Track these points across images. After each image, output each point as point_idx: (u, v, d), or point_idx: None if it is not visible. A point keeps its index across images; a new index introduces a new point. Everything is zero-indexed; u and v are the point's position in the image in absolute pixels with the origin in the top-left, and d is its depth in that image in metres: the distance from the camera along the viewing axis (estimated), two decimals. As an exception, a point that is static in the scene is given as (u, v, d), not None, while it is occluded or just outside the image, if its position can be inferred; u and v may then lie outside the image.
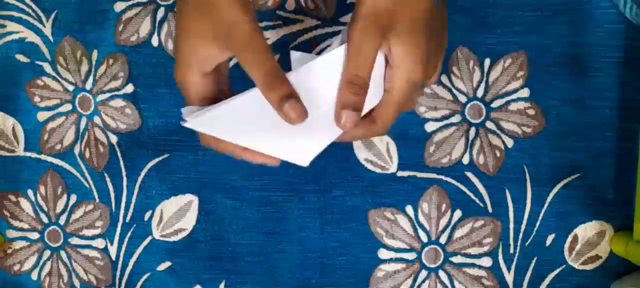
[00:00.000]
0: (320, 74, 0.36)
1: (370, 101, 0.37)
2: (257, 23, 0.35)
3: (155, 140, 0.55)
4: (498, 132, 0.53)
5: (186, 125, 0.37)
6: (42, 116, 0.57)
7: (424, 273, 0.54)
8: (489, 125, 0.53)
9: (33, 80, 0.57)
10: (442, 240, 0.54)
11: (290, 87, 0.35)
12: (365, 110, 0.37)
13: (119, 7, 0.55)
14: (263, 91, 0.35)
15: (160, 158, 0.56)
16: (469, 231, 0.54)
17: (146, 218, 0.56)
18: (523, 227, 0.53)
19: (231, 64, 0.51)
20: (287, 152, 0.38)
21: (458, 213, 0.54)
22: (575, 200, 0.53)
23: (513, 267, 0.54)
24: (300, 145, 0.38)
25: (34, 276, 0.58)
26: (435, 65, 0.38)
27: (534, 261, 0.53)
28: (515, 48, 0.52)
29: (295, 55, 0.37)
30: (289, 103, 0.34)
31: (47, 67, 0.56)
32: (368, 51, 0.35)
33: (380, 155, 0.54)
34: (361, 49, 0.35)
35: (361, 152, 0.54)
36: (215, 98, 0.39)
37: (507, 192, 0.53)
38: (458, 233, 0.54)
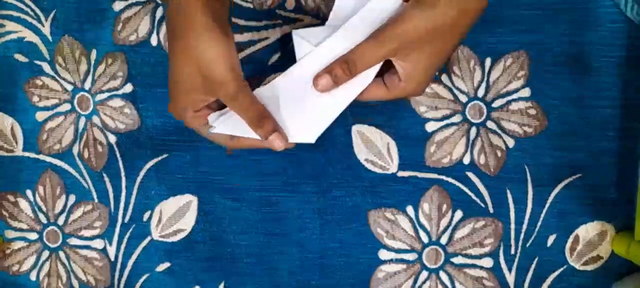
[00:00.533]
0: (321, 60, 0.42)
1: (355, 83, 0.42)
2: (242, 80, 0.41)
3: (154, 140, 0.55)
4: (499, 131, 0.53)
5: (214, 131, 0.44)
6: (40, 116, 0.57)
7: (424, 274, 0.54)
8: (490, 125, 0.53)
9: (32, 79, 0.56)
10: (443, 240, 0.54)
11: (273, 123, 0.42)
12: (351, 91, 0.43)
13: (117, 6, 0.55)
14: (253, 130, 0.42)
15: (159, 158, 0.55)
16: (469, 232, 0.53)
17: (145, 219, 0.56)
18: (524, 227, 0.53)
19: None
20: (296, 135, 0.43)
21: (459, 214, 0.53)
22: (576, 200, 0.53)
23: (514, 267, 0.53)
24: (307, 125, 0.44)
25: (33, 276, 0.58)
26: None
27: (535, 262, 0.53)
28: (516, 47, 0.52)
29: (298, 39, 0.43)
30: (274, 135, 0.42)
31: (45, 67, 0.56)
32: (373, 60, 0.40)
33: (380, 155, 0.54)
34: (369, 55, 0.40)
35: (361, 152, 0.54)
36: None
37: (508, 192, 0.53)
38: (459, 234, 0.54)
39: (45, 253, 0.58)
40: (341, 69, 0.41)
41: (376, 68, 0.42)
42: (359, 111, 0.53)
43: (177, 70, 0.42)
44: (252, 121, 0.42)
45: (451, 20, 0.38)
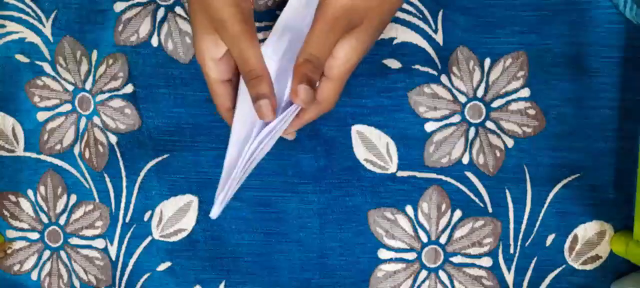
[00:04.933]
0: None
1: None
2: (248, 21, 0.38)
3: (155, 141, 0.56)
4: (498, 132, 0.53)
5: (214, 215, 0.44)
6: (41, 116, 0.57)
7: (424, 273, 0.54)
8: (489, 125, 0.53)
9: (33, 80, 0.57)
10: (442, 240, 0.54)
11: (269, 87, 0.39)
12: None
13: (118, 7, 0.55)
14: (246, 84, 0.39)
15: (160, 158, 0.56)
16: (469, 231, 0.54)
17: (146, 219, 0.56)
18: (523, 227, 0.53)
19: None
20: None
21: (458, 214, 0.54)
22: (575, 200, 0.53)
23: (513, 267, 0.54)
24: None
25: (34, 276, 0.58)
26: None
27: (534, 261, 0.53)
28: (516, 48, 0.52)
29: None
30: (265, 101, 0.39)
31: (46, 67, 0.56)
32: (331, 43, 0.38)
33: (380, 155, 0.54)
34: (327, 39, 0.38)
35: (361, 152, 0.54)
36: (233, 78, 0.44)
37: (507, 192, 0.53)
38: (458, 234, 0.54)
39: (47, 253, 0.58)
40: (307, 68, 0.38)
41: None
42: (358, 111, 0.53)
43: (191, 13, 0.40)
44: (245, 76, 0.39)
45: None
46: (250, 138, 0.43)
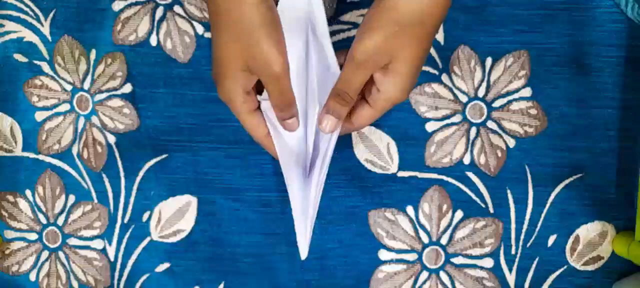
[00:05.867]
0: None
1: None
2: (287, 59, 0.40)
3: (153, 141, 0.55)
4: (499, 131, 0.53)
5: (263, 102, 0.44)
6: (40, 116, 0.57)
7: (425, 274, 0.54)
8: (491, 124, 0.53)
9: (31, 79, 0.56)
10: (443, 241, 0.54)
11: (294, 110, 0.43)
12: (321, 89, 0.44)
13: (117, 6, 0.55)
14: (276, 110, 0.43)
15: (159, 158, 0.55)
16: (470, 232, 0.53)
17: (144, 219, 0.56)
18: (524, 227, 0.53)
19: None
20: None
21: (459, 214, 0.53)
22: (577, 200, 0.53)
23: (514, 267, 0.53)
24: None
25: (33, 277, 0.58)
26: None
27: (535, 262, 0.53)
28: (517, 47, 0.52)
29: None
30: (293, 119, 0.44)
31: (45, 67, 0.56)
32: (360, 81, 0.41)
33: (380, 155, 0.54)
34: (355, 76, 0.41)
35: (361, 152, 0.54)
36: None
37: (508, 192, 0.53)
38: (459, 234, 0.53)
39: (45, 254, 0.58)
40: (336, 101, 0.42)
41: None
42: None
43: (222, 47, 0.40)
44: (276, 106, 0.42)
45: (418, 18, 0.38)
46: (313, 165, 0.46)
